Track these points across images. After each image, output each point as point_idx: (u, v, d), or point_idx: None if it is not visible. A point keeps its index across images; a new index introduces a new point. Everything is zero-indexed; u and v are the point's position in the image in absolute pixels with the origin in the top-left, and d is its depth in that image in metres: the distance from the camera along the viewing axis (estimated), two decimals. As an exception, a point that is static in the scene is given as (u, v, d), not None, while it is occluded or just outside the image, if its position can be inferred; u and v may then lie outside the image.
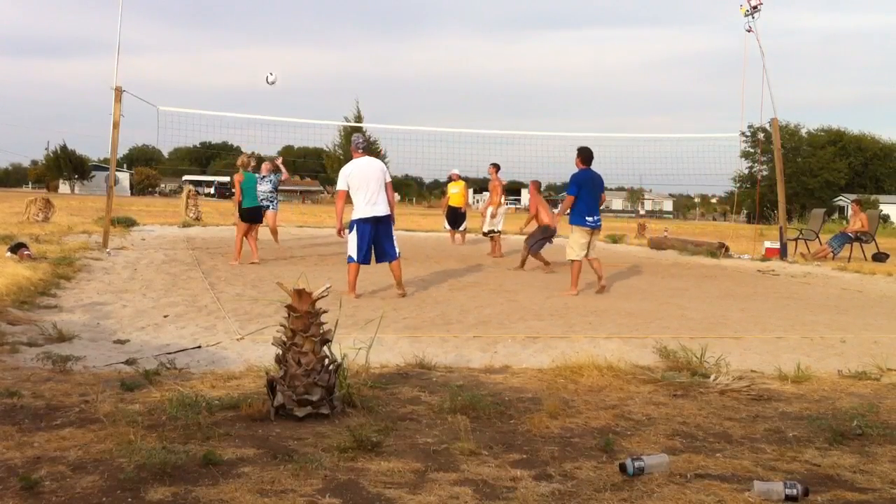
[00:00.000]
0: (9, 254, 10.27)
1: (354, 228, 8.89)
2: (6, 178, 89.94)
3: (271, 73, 14.84)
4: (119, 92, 13.33)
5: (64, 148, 74.06)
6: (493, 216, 15.12)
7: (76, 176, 74.11)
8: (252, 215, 12.16)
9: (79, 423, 3.93)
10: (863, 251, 16.75)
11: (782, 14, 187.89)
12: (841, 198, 59.62)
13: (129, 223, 18.68)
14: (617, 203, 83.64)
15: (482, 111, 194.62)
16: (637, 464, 3.41)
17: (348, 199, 8.99)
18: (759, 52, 15.91)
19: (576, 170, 9.72)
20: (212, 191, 74.99)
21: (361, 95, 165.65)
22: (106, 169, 38.04)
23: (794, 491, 3.18)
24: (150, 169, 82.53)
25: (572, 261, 9.75)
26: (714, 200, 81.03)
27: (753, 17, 15.58)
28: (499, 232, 15.15)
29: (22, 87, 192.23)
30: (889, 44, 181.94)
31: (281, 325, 4.29)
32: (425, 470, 3.44)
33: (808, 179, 63.10)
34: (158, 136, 14.64)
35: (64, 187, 72.28)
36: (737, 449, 3.88)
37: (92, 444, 3.61)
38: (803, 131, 67.96)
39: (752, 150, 52.97)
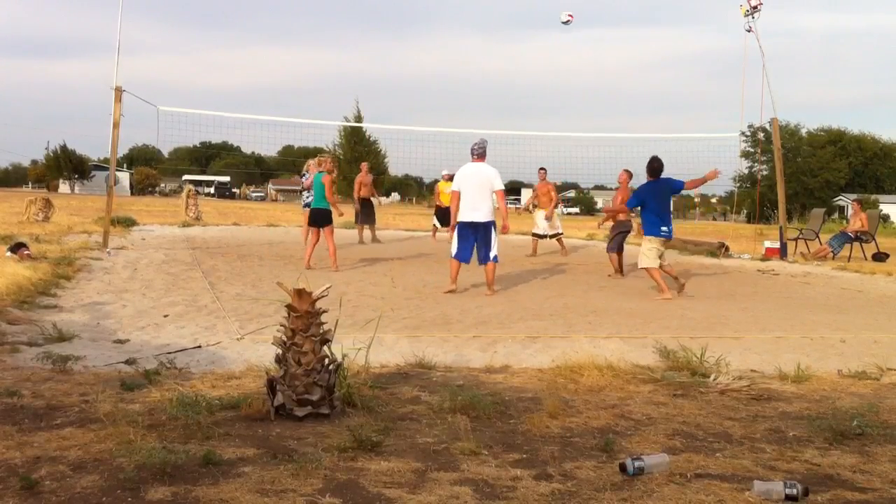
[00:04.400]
0: (9, 254, 10.27)
1: (457, 228, 9.45)
2: (6, 178, 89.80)
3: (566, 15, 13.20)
4: (119, 92, 13.32)
5: (64, 148, 74.03)
6: (548, 218, 15.30)
7: (76, 176, 74.05)
8: (311, 217, 11.63)
9: (79, 422, 3.93)
10: (863, 251, 16.75)
11: (782, 14, 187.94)
12: (841, 198, 59.58)
13: (129, 223, 18.66)
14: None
15: (482, 111, 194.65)
16: (637, 464, 3.41)
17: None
18: (759, 52, 15.92)
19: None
20: (212, 191, 75.05)
21: (361, 95, 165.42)
22: (106, 169, 38.01)
23: (794, 491, 3.18)
24: (150, 169, 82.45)
25: (647, 268, 9.70)
26: (714, 200, 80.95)
27: (753, 18, 15.57)
28: (561, 234, 15.52)
29: (22, 87, 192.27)
30: (889, 44, 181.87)
31: (281, 325, 4.29)
32: (425, 470, 3.44)
33: (808, 179, 63.06)
34: (158, 136, 14.61)
35: (64, 187, 72.22)
36: (737, 449, 3.88)
37: (92, 443, 3.61)
38: (803, 131, 67.93)
39: (752, 150, 52.94)
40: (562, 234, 15.69)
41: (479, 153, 9.47)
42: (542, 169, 15.43)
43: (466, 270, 9.89)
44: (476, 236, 9.38)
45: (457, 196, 9.53)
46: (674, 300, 9.47)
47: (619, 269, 12.05)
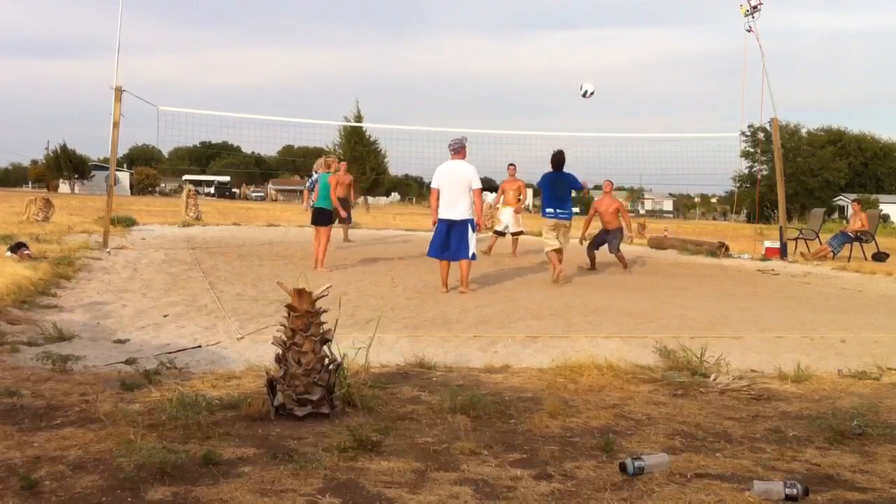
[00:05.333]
0: (9, 253, 10.26)
1: (437, 225, 9.60)
2: (6, 178, 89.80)
3: (585, 88, 12.48)
4: (119, 92, 13.32)
5: (64, 148, 73.93)
6: (517, 212, 15.10)
7: (76, 176, 73.99)
8: (312, 215, 11.82)
9: (79, 422, 3.93)
10: (863, 251, 16.75)
11: (782, 14, 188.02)
12: (841, 197, 59.58)
13: (129, 223, 18.65)
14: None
15: (482, 111, 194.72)
16: (637, 463, 3.41)
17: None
18: (759, 52, 15.94)
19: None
20: (212, 190, 75.04)
21: (361, 95, 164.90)
22: (106, 169, 37.99)
23: (794, 491, 3.18)
24: (150, 169, 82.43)
25: (546, 252, 11.02)
26: (714, 200, 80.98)
27: (753, 17, 15.58)
28: (522, 232, 15.25)
29: (22, 87, 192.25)
30: (889, 44, 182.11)
31: (281, 325, 4.29)
32: (425, 469, 3.44)
33: (808, 179, 63.02)
34: (158, 136, 14.59)
35: (64, 187, 72.17)
36: (737, 449, 3.88)
37: (92, 443, 3.61)
38: (803, 131, 67.91)
39: (752, 150, 52.93)
40: (523, 232, 15.17)
41: (456, 149, 9.49)
42: (511, 165, 15.04)
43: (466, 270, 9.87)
44: (453, 232, 9.42)
45: (436, 193, 9.63)
46: (671, 302, 9.47)
47: (592, 265, 12.92)
